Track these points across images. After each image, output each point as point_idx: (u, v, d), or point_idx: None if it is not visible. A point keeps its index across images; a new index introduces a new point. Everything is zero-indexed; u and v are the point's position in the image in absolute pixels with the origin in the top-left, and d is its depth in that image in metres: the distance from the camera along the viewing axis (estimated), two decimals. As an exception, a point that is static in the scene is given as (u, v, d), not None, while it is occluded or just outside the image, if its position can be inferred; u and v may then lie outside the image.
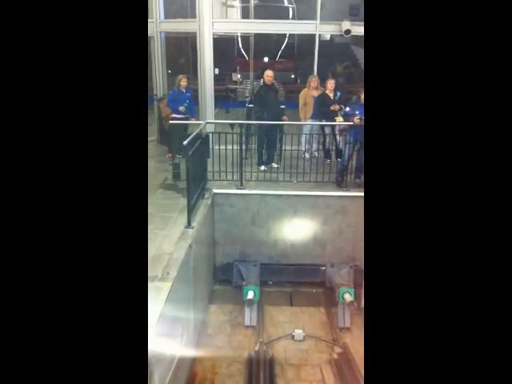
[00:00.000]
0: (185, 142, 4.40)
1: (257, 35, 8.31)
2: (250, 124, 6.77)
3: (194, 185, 5.13)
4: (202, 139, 5.58)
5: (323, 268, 6.34)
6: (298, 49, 11.07)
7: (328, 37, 10.51)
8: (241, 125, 6.10)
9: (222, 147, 6.22)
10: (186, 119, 6.90)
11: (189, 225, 4.72)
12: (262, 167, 6.72)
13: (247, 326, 5.47)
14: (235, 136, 5.95)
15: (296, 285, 6.40)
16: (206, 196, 5.76)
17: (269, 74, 6.65)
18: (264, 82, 6.73)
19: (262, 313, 5.76)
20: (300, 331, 5.31)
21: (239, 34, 9.60)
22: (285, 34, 10.72)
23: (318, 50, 7.51)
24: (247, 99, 8.10)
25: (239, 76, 10.66)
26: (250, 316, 5.47)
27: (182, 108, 6.79)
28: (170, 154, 7.07)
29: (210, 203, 5.73)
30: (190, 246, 4.40)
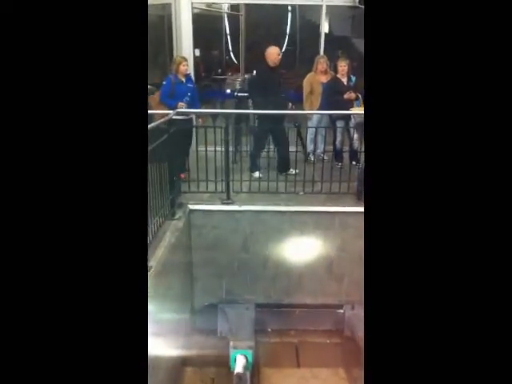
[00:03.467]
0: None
1: (249, 34, 7.46)
2: (239, 116, 5.07)
3: (156, 201, 3.48)
4: (170, 135, 3.91)
5: (340, 310, 4.73)
6: (300, 56, 9.44)
7: (327, 29, 9.20)
8: (227, 116, 4.47)
9: (202, 148, 4.60)
10: (190, 120, 4.94)
11: (141, 266, 3.04)
12: (257, 174, 5.05)
13: (237, 407, 3.79)
14: (219, 133, 4.30)
15: (304, 333, 4.72)
16: (176, 216, 4.08)
17: (274, 51, 4.88)
18: (267, 63, 4.94)
19: (257, 381, 4.08)
20: (313, 415, 3.64)
21: (226, 13, 7.97)
22: (284, 38, 9.21)
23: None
24: (238, 88, 6.44)
25: (230, 73, 9.11)
26: (240, 391, 3.78)
27: (181, 104, 4.66)
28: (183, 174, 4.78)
29: (182, 226, 4.05)
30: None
